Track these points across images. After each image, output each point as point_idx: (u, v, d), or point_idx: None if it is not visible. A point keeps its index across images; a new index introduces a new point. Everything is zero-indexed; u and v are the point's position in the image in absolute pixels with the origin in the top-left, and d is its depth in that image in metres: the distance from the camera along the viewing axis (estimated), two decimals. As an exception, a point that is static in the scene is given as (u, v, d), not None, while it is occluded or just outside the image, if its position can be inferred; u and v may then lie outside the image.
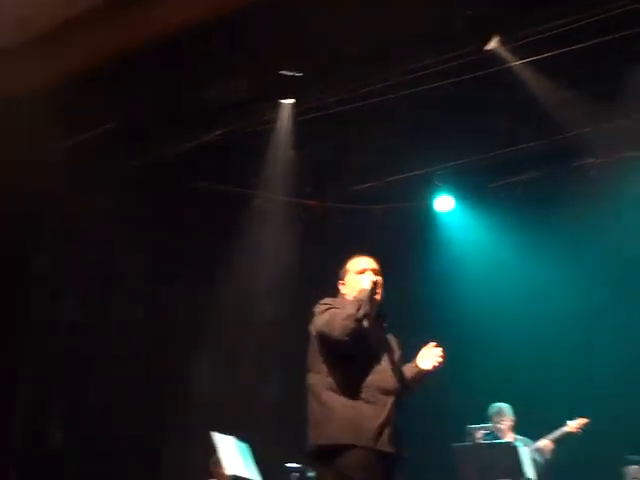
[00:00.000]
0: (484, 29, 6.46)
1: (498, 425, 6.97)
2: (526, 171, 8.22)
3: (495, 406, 7.09)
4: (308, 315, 8.12)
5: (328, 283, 8.42)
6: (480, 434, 6.60)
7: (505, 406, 7.08)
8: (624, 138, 7.51)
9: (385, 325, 4.00)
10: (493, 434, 6.85)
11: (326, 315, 3.71)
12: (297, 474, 6.64)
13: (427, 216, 8.74)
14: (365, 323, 3.70)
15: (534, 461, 6.67)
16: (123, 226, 7.17)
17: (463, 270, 8.34)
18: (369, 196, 8.77)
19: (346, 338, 3.59)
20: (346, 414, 3.60)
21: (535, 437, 7.01)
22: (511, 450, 6.23)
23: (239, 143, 7.55)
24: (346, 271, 4.04)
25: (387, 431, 3.61)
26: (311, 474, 6.73)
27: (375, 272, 3.90)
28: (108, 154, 7.35)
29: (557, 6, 6.10)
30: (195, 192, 8.01)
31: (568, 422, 6.94)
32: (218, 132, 7.43)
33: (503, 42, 6.49)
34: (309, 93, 7.17)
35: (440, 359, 3.82)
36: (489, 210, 8.42)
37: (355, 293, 3.79)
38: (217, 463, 6.22)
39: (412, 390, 3.93)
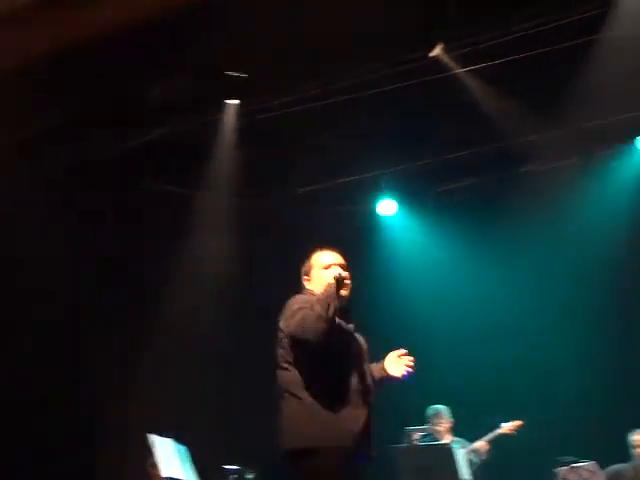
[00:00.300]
0: (429, 36, 6.56)
1: (436, 427, 7.06)
2: (468, 177, 8.36)
3: (433, 408, 7.18)
4: (250, 314, 8.19)
5: (272, 284, 8.51)
6: (418, 436, 6.66)
7: (443, 408, 7.18)
8: (562, 146, 7.70)
9: (353, 323, 3.85)
10: (431, 436, 6.93)
11: (298, 316, 3.56)
12: (235, 476, 6.63)
13: (371, 219, 8.81)
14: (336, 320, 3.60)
15: (470, 462, 6.78)
16: (60, 227, 7.04)
17: (405, 273, 8.44)
18: (314, 198, 8.79)
19: (319, 339, 3.48)
20: (327, 417, 3.50)
21: (471, 439, 7.12)
22: (448, 452, 6.31)
23: (184, 142, 7.51)
24: (310, 266, 3.89)
25: (367, 433, 3.57)
26: (250, 476, 6.73)
27: (342, 267, 3.77)
28: (47, 153, 7.22)
29: (500, 17, 6.23)
30: (138, 191, 7.92)
31: (502, 424, 7.07)
32: (162, 131, 7.37)
33: (447, 49, 6.60)
34: (255, 94, 7.16)
35: (410, 369, 3.74)
36: (431, 214, 8.53)
37: (321, 289, 3.65)
38: (154, 465, 6.16)
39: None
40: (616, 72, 6.57)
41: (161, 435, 6.15)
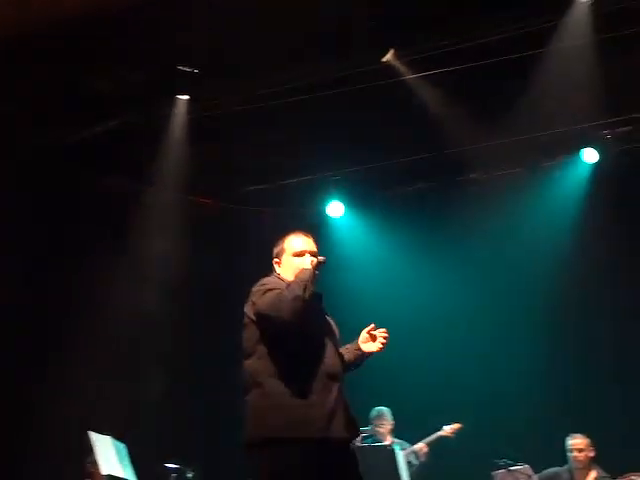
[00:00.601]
0: (381, 41, 6.62)
1: (378, 428, 7.12)
2: (415, 182, 8.46)
3: (376, 410, 7.24)
4: (195, 312, 8.13)
5: (219, 282, 8.48)
6: (360, 437, 6.72)
7: (385, 410, 7.24)
8: (508, 156, 7.84)
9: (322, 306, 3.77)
10: (373, 437, 6.99)
11: (269, 297, 3.49)
12: (175, 474, 6.59)
13: (319, 221, 8.83)
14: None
15: (409, 464, 6.86)
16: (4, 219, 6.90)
17: (350, 274, 8.48)
18: (262, 198, 8.79)
19: (295, 319, 3.41)
20: (293, 404, 3.40)
21: (413, 440, 7.20)
22: (390, 453, 6.39)
23: (133, 136, 7.42)
24: (282, 250, 3.81)
25: (339, 416, 3.47)
26: (190, 475, 6.70)
27: (313, 254, 3.71)
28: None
29: (452, 26, 6.32)
30: (85, 184, 7.78)
31: (444, 427, 7.18)
32: (111, 124, 7.27)
33: (399, 55, 6.67)
34: (206, 91, 7.13)
35: (384, 340, 3.72)
36: (378, 217, 8.60)
37: (292, 275, 3.60)
38: (94, 463, 6.08)
39: (348, 372, 3.76)
40: (563, 85, 6.73)
41: (100, 433, 6.08)
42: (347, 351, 3.76)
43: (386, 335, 3.74)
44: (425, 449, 7.12)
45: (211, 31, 6.18)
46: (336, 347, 3.66)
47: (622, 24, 6.22)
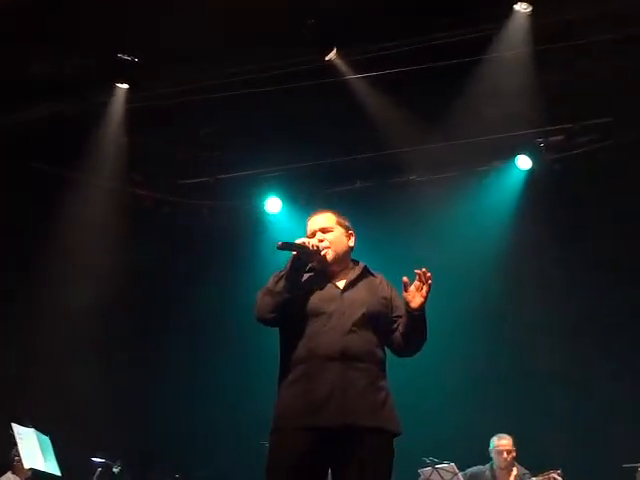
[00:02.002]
0: (325, 40, 6.64)
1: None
2: (353, 181, 8.51)
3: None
4: (128, 303, 8.02)
5: (153, 273, 8.38)
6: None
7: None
8: (444, 159, 7.96)
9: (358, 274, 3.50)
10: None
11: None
12: (101, 469, 6.51)
13: (256, 216, 8.81)
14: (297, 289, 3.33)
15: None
16: None
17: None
18: (199, 191, 8.72)
19: (270, 315, 3.32)
20: (284, 394, 3.30)
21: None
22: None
23: (69, 123, 7.26)
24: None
25: (334, 402, 3.18)
26: (116, 469, 6.62)
27: (323, 230, 3.51)
28: None
29: (394, 29, 6.38)
30: (19, 171, 7.59)
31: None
32: (48, 109, 7.11)
33: (342, 55, 6.70)
34: (146, 81, 7.04)
35: (426, 287, 3.30)
36: (315, 215, 8.60)
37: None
38: (16, 455, 5.97)
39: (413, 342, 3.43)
40: (501, 92, 6.87)
41: (24, 425, 5.96)
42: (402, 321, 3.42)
43: (429, 275, 3.31)
44: None
45: (151, 21, 6.11)
46: (348, 323, 3.31)
47: (560, 36, 6.38)
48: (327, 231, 3.54)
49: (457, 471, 6.61)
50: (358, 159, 8.01)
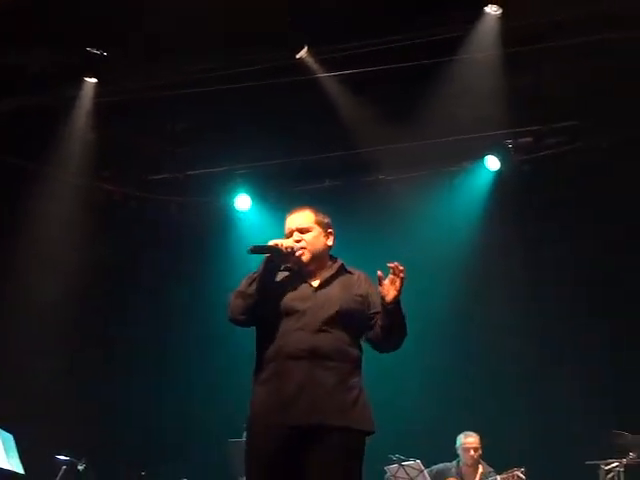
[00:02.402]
0: (297, 37, 6.64)
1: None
2: (322, 179, 8.52)
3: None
4: (94, 300, 7.93)
5: (120, 269, 8.30)
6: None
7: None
8: (414, 158, 7.99)
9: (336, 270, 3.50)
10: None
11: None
12: (65, 467, 6.44)
13: (225, 213, 8.77)
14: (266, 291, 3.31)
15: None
16: None
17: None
18: (168, 187, 8.66)
19: (241, 317, 3.34)
20: (255, 393, 3.31)
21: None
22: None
23: (37, 117, 7.16)
24: None
25: (302, 401, 3.18)
26: (81, 467, 6.57)
27: (300, 230, 3.48)
28: None
29: (366, 28, 6.40)
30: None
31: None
32: (14, 102, 7.01)
33: (313, 53, 6.70)
34: (115, 76, 6.98)
35: (399, 281, 3.26)
36: (285, 213, 8.58)
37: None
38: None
39: (390, 333, 3.39)
40: (470, 93, 6.92)
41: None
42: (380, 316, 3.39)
43: (401, 268, 3.28)
44: None
45: (121, 15, 6.06)
46: (319, 321, 3.29)
47: (530, 38, 6.44)
48: (305, 231, 3.50)
49: (423, 468, 6.66)
50: (329, 157, 8.02)
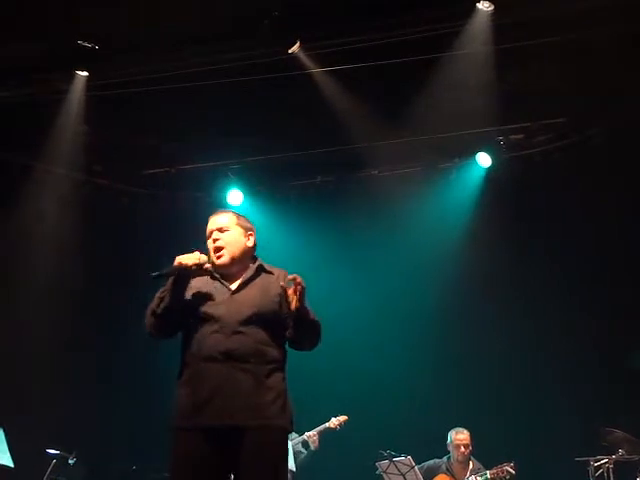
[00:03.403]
0: (289, 32, 6.62)
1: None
2: (314, 175, 8.52)
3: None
4: (85, 295, 7.90)
5: (111, 265, 8.27)
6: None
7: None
8: (406, 155, 8.00)
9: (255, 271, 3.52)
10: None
11: None
12: (55, 460, 6.44)
13: (217, 208, 8.73)
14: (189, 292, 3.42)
15: (298, 453, 6.96)
16: None
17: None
18: (160, 181, 8.65)
19: (158, 334, 3.46)
20: (176, 395, 3.38)
21: (300, 431, 7.27)
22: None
23: (28, 110, 7.13)
24: None
25: (215, 403, 3.24)
26: (71, 461, 6.56)
27: (221, 230, 3.55)
28: None
29: (358, 24, 6.38)
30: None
31: (331, 419, 7.27)
32: (5, 94, 6.98)
33: (305, 48, 6.69)
34: (106, 69, 6.94)
35: (296, 292, 3.31)
36: (277, 208, 8.61)
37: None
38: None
39: (304, 336, 3.46)
40: (462, 89, 6.92)
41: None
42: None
43: (299, 280, 3.32)
44: (316, 436, 7.19)
45: (112, 8, 6.03)
46: (235, 324, 3.34)
47: (521, 35, 6.44)
48: (224, 231, 3.56)
49: (414, 464, 6.68)
50: (321, 153, 8.01)
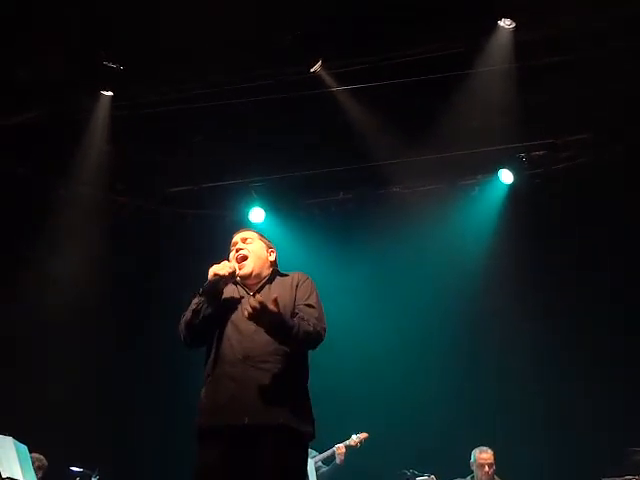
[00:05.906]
0: (311, 51, 6.67)
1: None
2: (337, 192, 8.53)
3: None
4: (109, 313, 7.94)
5: (136, 283, 8.31)
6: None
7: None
8: (429, 171, 8.00)
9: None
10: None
11: None
12: (79, 478, 6.45)
13: (240, 226, 8.76)
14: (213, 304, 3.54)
15: (318, 470, 6.94)
16: None
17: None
18: (184, 200, 8.70)
19: (194, 343, 3.61)
20: (201, 395, 3.52)
21: (321, 448, 7.23)
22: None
23: (53, 129, 7.22)
24: None
25: (235, 402, 3.33)
26: (94, 478, 6.56)
27: (244, 240, 3.79)
28: None
29: (380, 42, 6.42)
30: (3, 176, 7.53)
31: (352, 436, 7.23)
32: (31, 114, 7.08)
33: (327, 67, 6.73)
34: (131, 89, 7.03)
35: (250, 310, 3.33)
36: (299, 226, 8.62)
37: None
38: (-6, 464, 5.88)
39: (295, 343, 3.47)
40: (484, 106, 6.92)
41: (1, 434, 5.89)
42: None
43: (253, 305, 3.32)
44: (343, 450, 7.16)
45: (137, 29, 6.11)
46: (254, 326, 3.40)
47: (543, 52, 6.45)
48: (248, 242, 3.78)
49: (437, 483, 6.61)
50: (342, 170, 8.03)
